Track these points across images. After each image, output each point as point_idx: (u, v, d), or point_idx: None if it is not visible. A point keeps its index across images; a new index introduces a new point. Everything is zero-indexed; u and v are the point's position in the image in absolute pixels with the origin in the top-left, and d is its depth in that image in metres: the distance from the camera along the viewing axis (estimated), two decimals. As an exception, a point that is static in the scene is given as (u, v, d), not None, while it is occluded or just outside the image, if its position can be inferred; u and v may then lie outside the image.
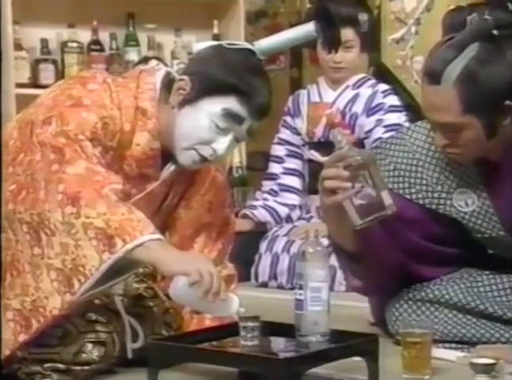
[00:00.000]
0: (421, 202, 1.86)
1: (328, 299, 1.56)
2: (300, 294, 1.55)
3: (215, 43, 1.78)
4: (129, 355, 1.63)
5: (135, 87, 1.69)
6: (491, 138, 1.74)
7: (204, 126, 1.67)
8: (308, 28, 1.78)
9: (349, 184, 1.60)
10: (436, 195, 1.85)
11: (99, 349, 1.60)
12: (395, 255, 1.80)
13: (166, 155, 1.72)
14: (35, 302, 1.55)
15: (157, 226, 1.59)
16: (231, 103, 1.66)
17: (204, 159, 1.69)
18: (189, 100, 1.68)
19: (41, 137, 1.59)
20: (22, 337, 1.55)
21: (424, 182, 1.86)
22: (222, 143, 1.68)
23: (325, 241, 1.91)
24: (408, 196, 1.87)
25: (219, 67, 1.67)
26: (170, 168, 1.73)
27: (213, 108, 1.66)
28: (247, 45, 1.74)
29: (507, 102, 1.71)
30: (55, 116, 1.60)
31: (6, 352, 1.55)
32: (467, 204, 1.83)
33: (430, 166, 1.86)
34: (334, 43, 1.94)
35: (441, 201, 1.85)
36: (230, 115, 1.67)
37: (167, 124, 1.69)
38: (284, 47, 1.83)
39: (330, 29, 1.81)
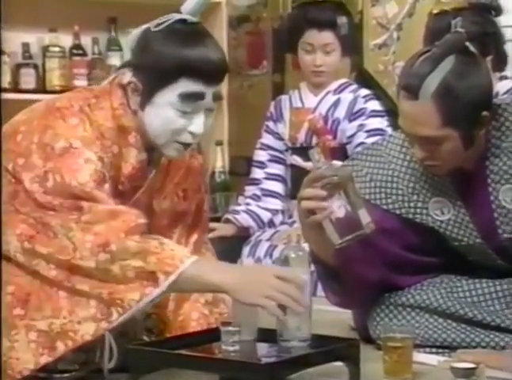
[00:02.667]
0: (397, 212, 1.87)
1: (310, 304, 1.55)
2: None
3: (141, 28, 1.67)
4: (105, 372, 1.62)
5: (109, 106, 1.65)
6: (469, 148, 1.75)
7: (171, 118, 1.63)
8: None
9: (326, 204, 1.61)
10: (412, 204, 1.86)
11: (79, 356, 1.58)
12: (375, 270, 1.82)
13: (149, 151, 1.69)
14: (65, 326, 1.53)
15: None
16: (184, 85, 1.61)
17: (187, 145, 1.67)
18: (146, 100, 1.64)
19: (42, 199, 1.54)
20: (45, 359, 1.52)
21: (400, 192, 1.87)
22: (197, 123, 1.64)
23: (307, 247, 1.91)
24: (385, 207, 1.88)
25: (155, 57, 1.60)
26: (151, 174, 1.72)
27: (169, 97, 1.62)
28: (175, 16, 1.64)
29: (484, 113, 1.73)
30: (51, 172, 1.56)
31: (26, 373, 1.52)
32: (443, 213, 1.84)
33: (406, 176, 1.87)
34: None
35: (418, 210, 1.86)
36: (189, 97, 1.61)
37: (139, 125, 1.66)
38: None
39: None
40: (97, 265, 1.51)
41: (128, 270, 1.51)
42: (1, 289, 1.48)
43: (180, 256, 1.52)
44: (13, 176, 1.58)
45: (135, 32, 1.67)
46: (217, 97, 1.67)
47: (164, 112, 1.63)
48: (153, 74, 1.62)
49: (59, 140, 1.58)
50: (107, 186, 1.59)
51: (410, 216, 1.87)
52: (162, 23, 1.64)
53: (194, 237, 1.80)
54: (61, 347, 1.52)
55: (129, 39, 1.69)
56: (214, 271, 1.54)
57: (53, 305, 1.54)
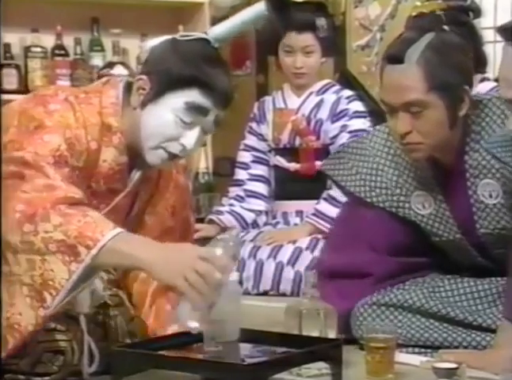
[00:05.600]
0: (381, 205, 1.89)
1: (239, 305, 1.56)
2: None
3: (167, 37, 1.74)
4: (85, 375, 1.60)
5: (98, 102, 1.66)
6: (451, 126, 1.76)
7: (169, 122, 1.64)
8: (259, 8, 1.73)
9: None
10: (395, 198, 1.88)
11: (58, 358, 1.57)
12: (347, 301, 1.85)
13: (132, 160, 1.70)
14: (9, 320, 1.52)
15: None
16: (194, 95, 1.64)
17: (173, 156, 1.68)
18: (150, 99, 1.66)
19: None
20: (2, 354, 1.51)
21: (384, 185, 1.89)
22: (190, 138, 1.66)
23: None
24: (369, 199, 1.90)
25: (175, 61, 1.64)
26: (135, 176, 1.72)
27: (176, 102, 1.64)
28: (201, 35, 1.71)
29: (466, 87, 1.75)
30: (13, 142, 1.56)
31: None
32: (424, 207, 1.86)
33: (389, 170, 1.89)
34: (287, 21, 1.90)
35: (400, 204, 1.88)
36: (194, 108, 1.64)
37: (132, 126, 1.67)
38: (238, 31, 1.76)
39: (281, 7, 1.76)
40: (22, 237, 1.50)
41: (49, 243, 1.50)
42: (0, 289, 1.48)
43: (101, 229, 1.50)
44: None
45: (156, 39, 1.72)
46: (217, 123, 1.69)
47: (164, 115, 1.65)
48: (167, 76, 1.64)
49: (34, 121, 1.59)
50: (66, 170, 1.58)
51: (394, 210, 1.89)
52: (188, 35, 1.69)
53: None
54: (10, 341, 1.52)
55: (148, 43, 1.73)
56: (137, 245, 1.51)
57: None
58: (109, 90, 1.68)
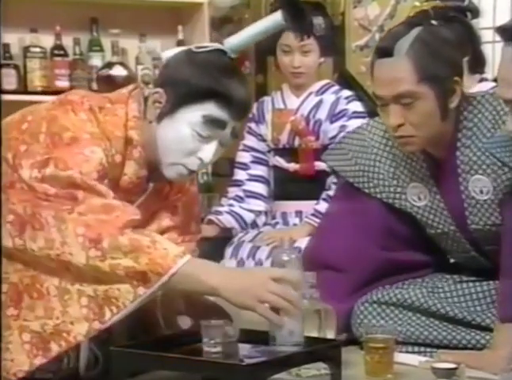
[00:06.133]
0: (378, 196, 1.91)
1: (302, 308, 1.54)
2: None
3: (183, 48, 1.73)
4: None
5: (124, 114, 1.63)
6: (443, 118, 1.77)
7: (187, 137, 1.62)
8: (276, 18, 1.72)
9: None
10: (392, 189, 1.90)
11: (53, 364, 1.55)
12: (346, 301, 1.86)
13: (149, 173, 1.68)
14: (58, 326, 1.50)
15: None
16: (211, 109, 1.61)
17: (191, 171, 1.66)
18: (166, 113, 1.63)
19: (38, 187, 1.50)
20: (39, 360, 1.50)
21: (381, 176, 1.91)
22: (207, 152, 1.63)
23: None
24: (367, 190, 1.93)
25: (191, 73, 1.62)
26: (149, 189, 1.70)
27: (193, 116, 1.62)
28: (217, 45, 1.69)
29: (456, 78, 1.76)
30: (54, 159, 1.52)
31: (20, 375, 1.50)
32: (419, 198, 1.88)
33: (387, 161, 1.91)
34: (304, 29, 1.90)
35: (397, 195, 1.90)
36: (211, 122, 1.62)
37: (148, 140, 1.65)
38: (254, 41, 1.75)
39: (298, 15, 1.74)
40: (87, 261, 1.48)
41: (118, 269, 1.48)
42: (0, 288, 1.47)
43: (172, 256, 1.49)
44: (10, 166, 1.54)
45: (173, 50, 1.70)
46: (235, 135, 1.67)
47: (181, 129, 1.62)
48: (184, 88, 1.61)
49: (67, 130, 1.56)
50: (106, 182, 1.57)
51: (390, 201, 1.91)
52: (204, 47, 1.67)
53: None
54: (55, 348, 1.50)
55: (165, 54, 1.70)
56: (207, 272, 1.51)
57: (45, 305, 1.51)
58: (134, 102, 1.66)
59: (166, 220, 1.76)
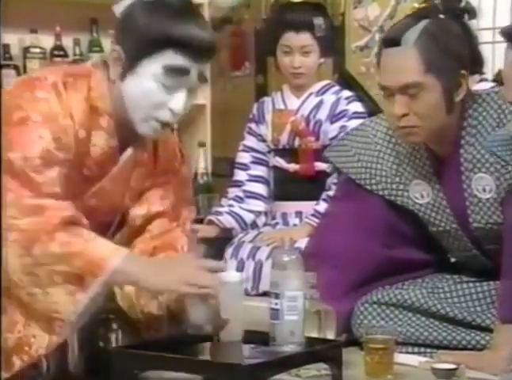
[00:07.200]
0: (380, 193, 1.91)
1: (304, 308, 1.55)
2: (276, 304, 1.53)
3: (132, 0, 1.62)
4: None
5: (85, 88, 1.60)
6: (448, 111, 1.77)
7: (152, 90, 1.57)
8: None
9: None
10: (394, 186, 1.90)
11: (34, 370, 1.53)
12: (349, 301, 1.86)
13: (124, 140, 1.63)
14: (21, 340, 1.48)
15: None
16: (170, 57, 1.55)
17: (165, 124, 1.60)
18: (127, 69, 1.58)
19: None
20: (2, 375, 1.48)
21: (384, 173, 1.91)
22: (177, 101, 1.58)
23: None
24: (369, 187, 1.93)
25: (144, 23, 1.56)
26: (126, 155, 1.65)
27: (154, 68, 1.56)
28: None
29: (463, 71, 1.77)
30: (3, 137, 1.47)
31: None
32: (422, 196, 1.88)
33: (390, 158, 1.91)
34: None
35: (399, 192, 1.90)
36: (173, 71, 1.56)
37: (116, 102, 1.61)
38: None
39: None
40: (23, 269, 1.46)
41: (54, 274, 1.47)
42: (0, 289, 1.44)
43: (106, 254, 1.48)
44: None
45: (124, 2, 1.62)
46: (202, 78, 1.60)
47: (146, 83, 1.57)
48: (139, 42, 1.56)
49: (20, 109, 1.53)
50: (57, 168, 1.52)
51: (392, 198, 1.91)
52: None
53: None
54: (17, 363, 1.48)
55: (117, 8, 1.63)
56: (137, 266, 1.51)
57: (8, 319, 1.48)
58: (97, 71, 1.62)
59: (156, 205, 1.73)
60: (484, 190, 1.79)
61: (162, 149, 1.75)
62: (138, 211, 1.71)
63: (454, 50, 1.76)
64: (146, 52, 1.57)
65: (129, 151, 1.66)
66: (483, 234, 1.84)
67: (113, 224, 1.70)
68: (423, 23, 1.76)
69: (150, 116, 1.60)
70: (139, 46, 1.57)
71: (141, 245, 1.71)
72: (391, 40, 1.76)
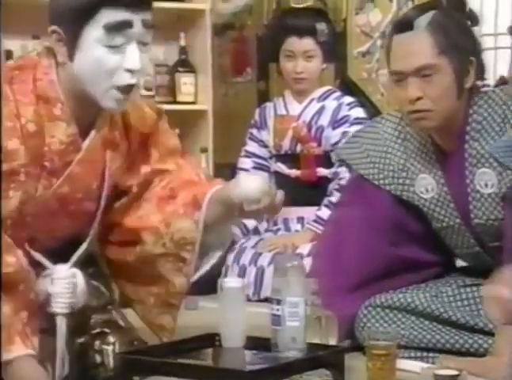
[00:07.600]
0: (387, 188, 1.94)
1: (305, 314, 1.55)
2: (278, 310, 1.53)
3: None
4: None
5: (31, 79, 1.55)
6: (458, 96, 1.80)
7: (101, 56, 1.52)
8: None
9: None
10: (401, 181, 1.93)
11: None
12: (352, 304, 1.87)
13: (88, 125, 1.59)
14: None
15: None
16: (107, 15, 1.50)
17: (126, 88, 1.54)
18: (72, 46, 1.54)
19: None
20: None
21: (391, 168, 1.94)
22: (132, 58, 1.52)
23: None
24: (376, 182, 1.95)
25: None
26: (92, 136, 1.61)
27: (95, 33, 1.51)
28: None
29: (472, 58, 1.81)
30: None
31: None
32: (427, 190, 1.91)
33: (398, 153, 1.93)
34: None
35: (405, 187, 1.92)
36: (114, 27, 1.51)
37: (72, 82, 1.55)
38: None
39: None
40: None
41: None
42: (0, 284, 1.39)
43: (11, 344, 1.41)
44: None
45: None
46: (148, 25, 1.54)
47: (93, 52, 1.52)
48: (73, 12, 1.51)
49: None
50: (5, 181, 1.44)
51: (398, 193, 1.93)
52: None
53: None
54: None
55: None
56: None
57: None
58: (42, 60, 1.57)
59: (144, 167, 1.70)
60: (486, 185, 1.82)
61: (133, 118, 1.70)
62: (131, 181, 1.69)
63: (463, 36, 1.81)
64: (82, 20, 1.51)
65: (92, 134, 1.61)
66: (485, 231, 1.86)
67: (98, 213, 1.65)
68: (431, 13, 1.81)
69: (110, 86, 1.54)
70: (73, 16, 1.52)
71: (155, 198, 1.68)
72: (405, 25, 1.80)
